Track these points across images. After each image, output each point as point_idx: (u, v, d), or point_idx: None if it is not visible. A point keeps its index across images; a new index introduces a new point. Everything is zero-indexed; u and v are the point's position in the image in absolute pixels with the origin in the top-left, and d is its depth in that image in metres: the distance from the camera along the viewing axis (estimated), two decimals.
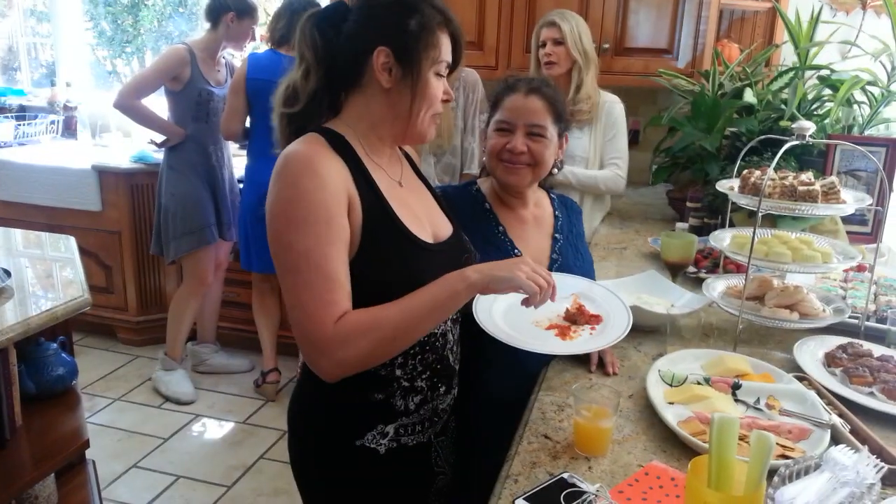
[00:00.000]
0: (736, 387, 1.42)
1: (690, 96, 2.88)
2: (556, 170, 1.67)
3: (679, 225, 2.66)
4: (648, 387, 1.40)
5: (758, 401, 1.38)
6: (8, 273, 1.96)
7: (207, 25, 3.25)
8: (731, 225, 2.29)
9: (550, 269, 1.61)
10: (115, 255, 3.88)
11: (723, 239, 1.75)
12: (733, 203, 1.78)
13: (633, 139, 3.66)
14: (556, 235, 1.66)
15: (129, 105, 3.17)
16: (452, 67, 1.30)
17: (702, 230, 2.54)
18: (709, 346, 1.69)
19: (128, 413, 3.31)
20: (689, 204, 2.64)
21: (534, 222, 1.65)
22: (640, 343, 1.70)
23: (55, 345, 2.24)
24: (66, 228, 3.89)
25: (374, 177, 1.25)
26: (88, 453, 2.90)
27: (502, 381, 1.57)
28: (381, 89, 1.24)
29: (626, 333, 1.39)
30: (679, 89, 2.96)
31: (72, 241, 2.37)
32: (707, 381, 1.44)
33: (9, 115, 4.40)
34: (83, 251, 3.92)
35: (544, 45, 2.79)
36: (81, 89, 4.59)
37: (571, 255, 1.65)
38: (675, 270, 1.99)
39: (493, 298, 1.40)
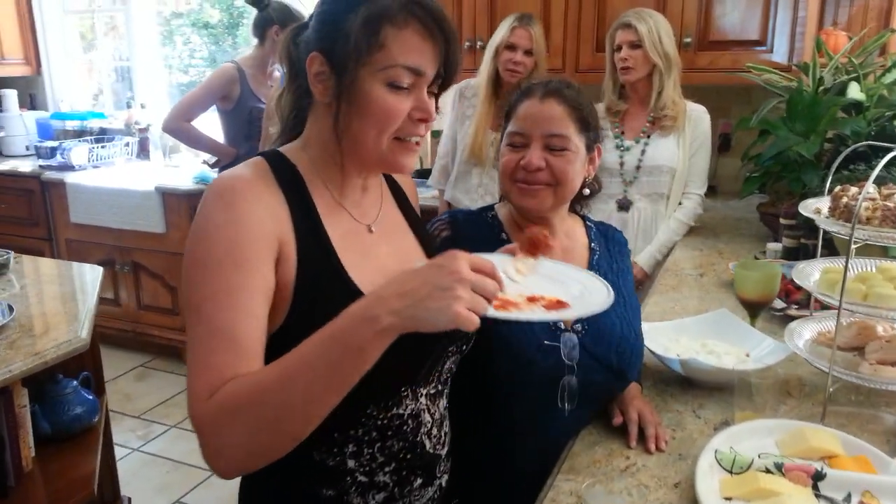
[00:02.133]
0: (818, 477, 1.07)
1: (787, 93, 2.47)
2: (586, 191, 1.37)
3: (770, 245, 2.26)
4: (697, 478, 1.07)
5: (848, 497, 1.04)
6: (11, 309, 1.85)
7: (255, 41, 3.14)
8: (830, 250, 1.90)
9: (581, 316, 1.30)
10: (180, 278, 3.82)
11: (810, 274, 1.38)
12: None
13: (724, 144, 3.26)
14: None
15: (178, 127, 3.11)
16: (446, 76, 1.00)
17: (798, 253, 2.15)
18: (789, 410, 1.33)
19: (180, 442, 3.21)
20: (782, 221, 2.24)
21: (562, 256, 1.34)
22: (700, 406, 1.36)
23: (75, 382, 2.14)
24: (132, 251, 3.92)
25: (326, 219, 1.00)
26: (134, 487, 2.83)
27: (519, 451, 1.28)
28: (325, 106, 1.00)
29: (578, 315, 1.06)
30: (773, 86, 2.55)
31: (98, 272, 2.26)
32: (780, 467, 1.09)
33: (89, 138, 4.49)
34: (149, 273, 3.96)
35: (620, 48, 2.47)
36: (155, 111, 4.62)
37: None
38: (754, 309, 1.62)
39: None
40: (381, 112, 0.95)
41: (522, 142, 1.29)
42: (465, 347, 1.13)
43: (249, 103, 3.13)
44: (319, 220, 0.99)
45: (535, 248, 1.06)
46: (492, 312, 0.88)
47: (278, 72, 3.27)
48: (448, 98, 2.98)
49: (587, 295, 1.01)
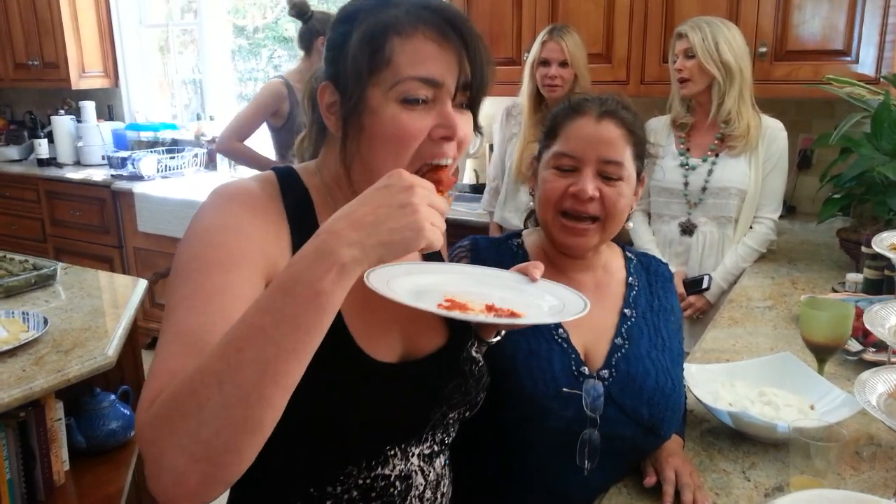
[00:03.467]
0: None
1: (872, 108, 2.23)
2: (630, 224, 1.22)
3: (850, 277, 2.03)
4: None
5: None
6: (46, 322, 1.85)
7: (302, 54, 3.12)
8: None
9: (610, 359, 1.16)
10: None
11: (885, 318, 1.20)
12: None
13: (804, 161, 3.02)
14: (626, 311, 1.21)
15: (231, 147, 3.11)
16: (475, 85, 0.87)
17: (881, 286, 1.92)
18: (857, 476, 1.15)
19: None
20: (864, 249, 2.01)
21: (594, 291, 1.21)
22: (752, 465, 1.20)
23: (113, 396, 2.13)
24: None
25: None
26: None
27: None
28: (337, 139, 0.91)
29: (530, 322, 0.90)
30: (857, 99, 2.32)
31: (141, 286, 2.25)
32: None
33: (160, 148, 4.59)
34: None
35: (677, 59, 2.33)
36: (223, 123, 4.68)
37: (647, 339, 1.19)
38: (823, 354, 1.43)
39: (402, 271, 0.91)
40: (394, 133, 0.84)
41: (573, 165, 1.15)
42: (468, 414, 1.01)
43: (300, 118, 3.08)
44: None
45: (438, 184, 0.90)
46: (434, 308, 0.80)
47: None
48: (496, 119, 2.89)
49: (560, 309, 0.90)
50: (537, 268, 0.97)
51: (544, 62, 2.59)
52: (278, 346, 0.64)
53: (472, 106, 0.90)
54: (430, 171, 0.87)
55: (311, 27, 3.01)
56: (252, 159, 3.17)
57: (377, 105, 0.84)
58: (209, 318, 0.75)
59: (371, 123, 0.85)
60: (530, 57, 2.64)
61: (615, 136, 1.15)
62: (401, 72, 0.83)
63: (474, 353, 1.01)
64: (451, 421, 0.98)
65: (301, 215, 0.91)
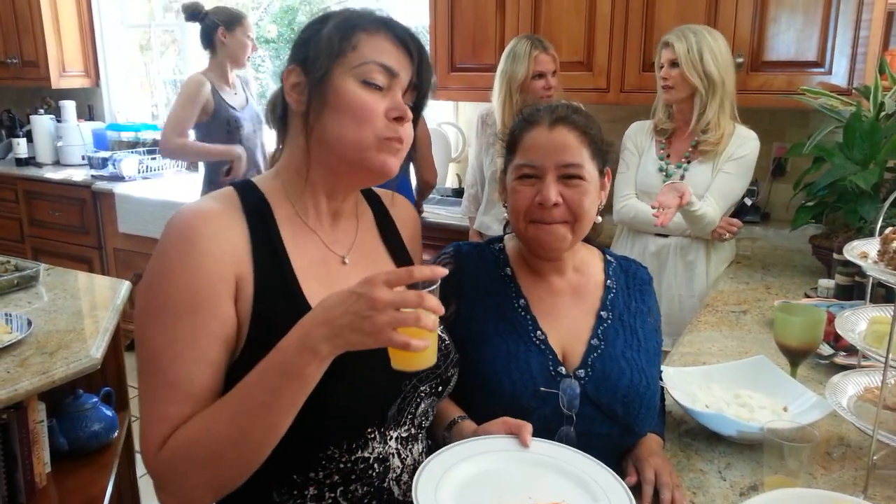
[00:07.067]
0: None
1: (844, 118, 2.30)
2: (598, 218, 1.26)
3: (822, 282, 2.09)
4: None
5: None
6: (30, 323, 1.84)
7: (208, 53, 3.18)
8: (889, 292, 1.74)
9: (586, 359, 1.20)
10: None
11: (855, 323, 1.25)
12: None
13: (778, 169, 3.09)
14: (602, 313, 1.25)
15: (177, 145, 3.10)
16: (420, 88, 1.02)
17: (852, 292, 1.98)
18: (827, 475, 1.20)
19: None
20: (836, 256, 2.07)
21: (571, 294, 1.25)
22: (727, 465, 1.24)
23: (96, 398, 2.13)
24: None
25: (292, 247, 0.99)
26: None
27: None
28: (300, 119, 0.99)
29: None
30: (830, 110, 2.38)
31: (124, 288, 2.25)
32: None
33: (141, 149, 4.57)
34: None
35: (663, 67, 2.38)
36: None
37: (622, 340, 1.22)
38: (796, 358, 1.48)
39: (442, 471, 0.97)
40: (356, 108, 0.95)
41: (535, 173, 1.19)
42: (441, 389, 1.07)
43: (226, 113, 3.16)
44: (283, 249, 0.98)
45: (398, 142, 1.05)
46: None
47: (239, 78, 3.32)
48: (472, 126, 2.94)
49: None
50: (527, 431, 1.04)
51: (540, 75, 2.67)
52: (279, 412, 0.84)
53: (416, 109, 1.03)
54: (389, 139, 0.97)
55: (209, 24, 3.07)
56: (202, 151, 3.17)
57: (340, 81, 0.96)
58: (192, 367, 0.89)
59: (333, 97, 0.96)
60: (518, 73, 2.66)
61: (569, 139, 1.19)
62: (364, 56, 0.96)
63: (440, 332, 1.07)
64: (423, 395, 1.03)
65: (259, 219, 0.98)
